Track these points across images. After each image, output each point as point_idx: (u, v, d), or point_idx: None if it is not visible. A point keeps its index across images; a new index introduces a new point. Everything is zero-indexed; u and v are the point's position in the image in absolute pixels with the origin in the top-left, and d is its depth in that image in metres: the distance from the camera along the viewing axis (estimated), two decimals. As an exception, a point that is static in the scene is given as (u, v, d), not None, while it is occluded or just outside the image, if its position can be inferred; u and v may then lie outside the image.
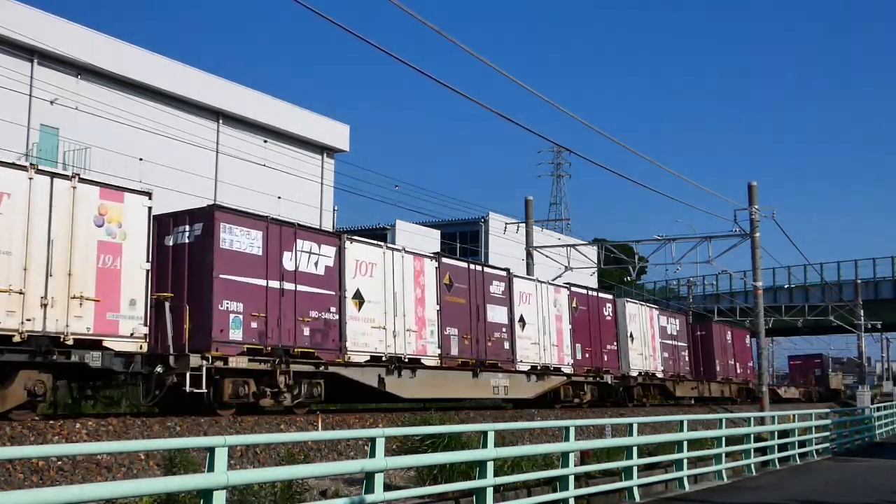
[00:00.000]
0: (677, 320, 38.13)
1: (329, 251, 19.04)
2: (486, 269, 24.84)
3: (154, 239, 15.88)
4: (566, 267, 37.57)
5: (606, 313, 31.16)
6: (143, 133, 34.15)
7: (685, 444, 15.97)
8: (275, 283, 17.50)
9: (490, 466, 10.74)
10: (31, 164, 14.46)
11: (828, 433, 26.05)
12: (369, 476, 9.08)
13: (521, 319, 25.51)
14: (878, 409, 34.98)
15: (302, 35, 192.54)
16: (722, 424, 18.24)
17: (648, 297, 68.50)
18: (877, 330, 65.88)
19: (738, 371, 46.07)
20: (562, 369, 27.31)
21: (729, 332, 45.57)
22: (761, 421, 22.43)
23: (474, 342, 23.19)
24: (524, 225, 38.28)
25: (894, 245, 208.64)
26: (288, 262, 17.91)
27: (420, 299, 21.57)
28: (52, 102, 32.32)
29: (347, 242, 19.62)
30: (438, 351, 21.77)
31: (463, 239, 57.41)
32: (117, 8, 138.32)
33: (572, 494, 12.17)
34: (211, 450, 7.48)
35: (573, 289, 29.41)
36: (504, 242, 47.62)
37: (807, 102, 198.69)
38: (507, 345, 24.73)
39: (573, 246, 40.74)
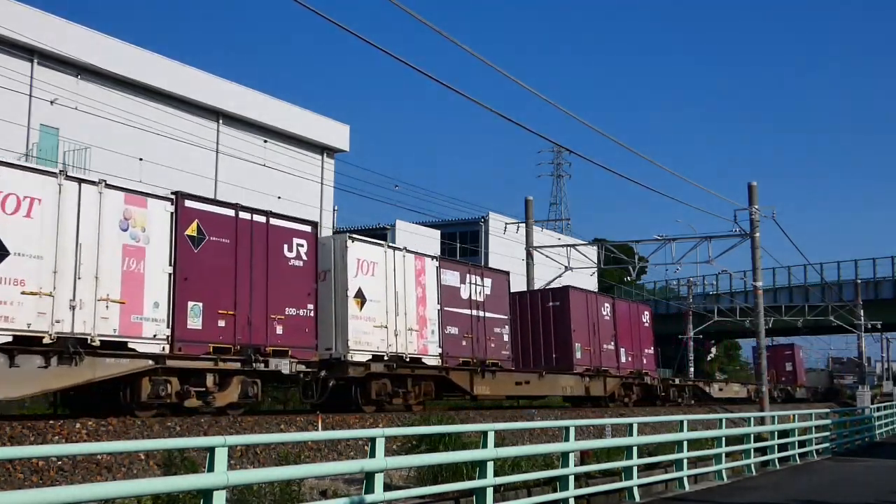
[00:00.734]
0: (490, 280, 25.22)
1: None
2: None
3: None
4: (566, 267, 37.59)
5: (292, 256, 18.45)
6: (143, 133, 34.14)
7: (685, 444, 15.97)
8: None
9: (490, 466, 10.74)
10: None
11: (828, 433, 26.05)
12: (369, 476, 9.08)
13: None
14: (878, 409, 34.98)
15: (302, 35, 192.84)
16: (722, 424, 18.26)
17: (648, 297, 68.58)
18: (877, 330, 65.87)
19: (625, 360, 32.44)
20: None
21: (608, 305, 32.20)
22: (761, 421, 22.46)
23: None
24: (524, 225, 38.30)
25: (894, 245, 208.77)
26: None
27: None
28: (52, 102, 32.32)
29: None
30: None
31: (463, 239, 57.40)
32: (117, 8, 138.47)
33: (572, 494, 12.17)
34: (211, 450, 7.48)
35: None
36: (504, 242, 47.62)
37: (807, 102, 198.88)
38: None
39: (573, 246, 40.76)
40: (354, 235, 20.30)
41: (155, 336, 15.23)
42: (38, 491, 6.44)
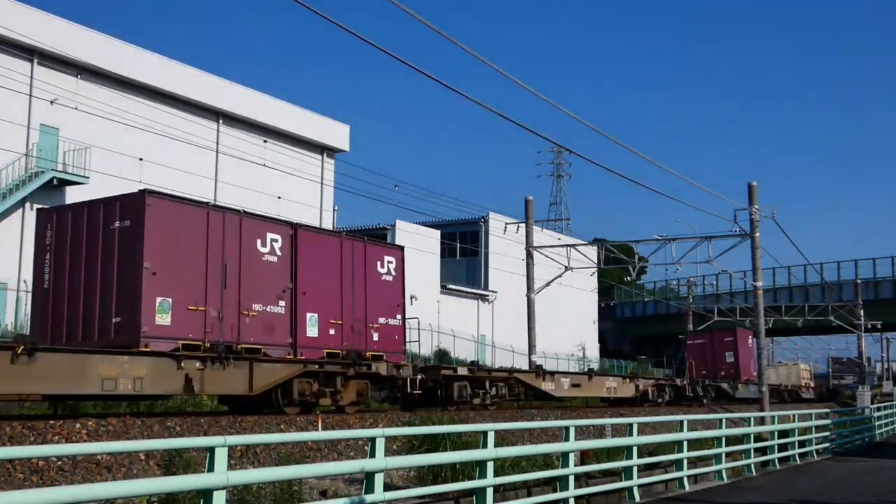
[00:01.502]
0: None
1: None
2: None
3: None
4: (566, 267, 37.59)
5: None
6: (143, 133, 34.15)
7: (685, 444, 15.97)
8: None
9: (490, 466, 10.74)
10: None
11: (828, 433, 26.06)
12: (369, 476, 9.08)
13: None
14: (878, 409, 34.99)
15: (302, 35, 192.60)
16: (722, 424, 18.25)
17: (648, 298, 68.63)
18: (877, 330, 65.92)
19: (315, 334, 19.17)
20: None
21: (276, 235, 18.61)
22: (761, 421, 22.46)
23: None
24: (524, 225, 38.27)
25: (894, 245, 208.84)
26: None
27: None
28: (52, 102, 32.33)
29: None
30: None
31: (463, 239, 57.42)
32: (117, 8, 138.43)
33: (572, 494, 12.17)
34: (211, 450, 7.48)
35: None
36: (504, 242, 47.60)
37: (807, 102, 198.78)
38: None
39: (573, 246, 40.74)
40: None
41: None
42: (38, 491, 6.43)
